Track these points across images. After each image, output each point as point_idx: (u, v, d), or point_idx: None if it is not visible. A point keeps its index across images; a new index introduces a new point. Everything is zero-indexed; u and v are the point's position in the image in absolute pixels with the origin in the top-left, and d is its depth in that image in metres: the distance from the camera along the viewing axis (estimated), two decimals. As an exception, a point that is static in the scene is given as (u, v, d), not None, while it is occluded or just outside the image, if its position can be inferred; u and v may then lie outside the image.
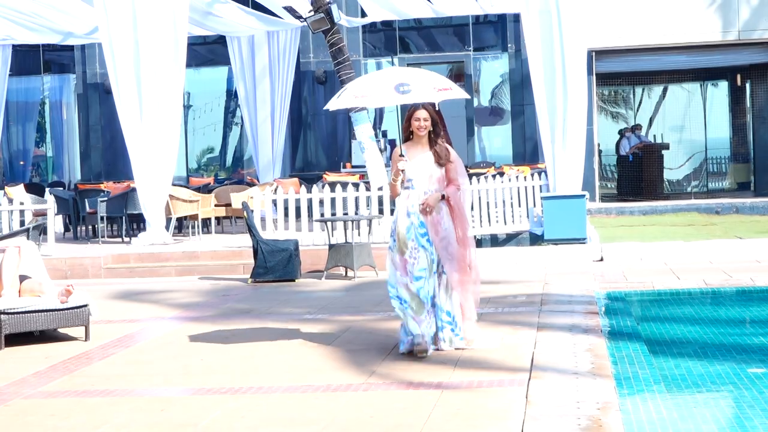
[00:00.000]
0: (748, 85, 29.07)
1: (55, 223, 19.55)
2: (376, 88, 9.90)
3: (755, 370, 9.39)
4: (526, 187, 19.30)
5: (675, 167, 30.02)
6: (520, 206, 19.12)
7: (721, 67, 28.10)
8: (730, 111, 30.29)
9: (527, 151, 24.49)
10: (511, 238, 18.78)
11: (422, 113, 9.38)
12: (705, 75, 29.37)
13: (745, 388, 8.80)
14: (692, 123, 30.42)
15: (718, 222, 21.20)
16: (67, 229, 21.04)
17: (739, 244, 16.27)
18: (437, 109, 9.66)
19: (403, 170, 9.26)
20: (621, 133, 29.19)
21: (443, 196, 9.41)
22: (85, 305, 10.77)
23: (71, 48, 26.39)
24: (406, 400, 7.61)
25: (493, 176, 19.43)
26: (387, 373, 8.61)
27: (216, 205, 19.99)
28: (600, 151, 27.92)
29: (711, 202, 25.45)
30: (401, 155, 9.29)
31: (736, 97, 29.88)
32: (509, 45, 26.97)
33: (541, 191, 18.76)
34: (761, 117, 28.22)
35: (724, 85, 30.11)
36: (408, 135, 9.57)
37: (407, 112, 9.53)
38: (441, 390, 7.81)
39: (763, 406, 8.22)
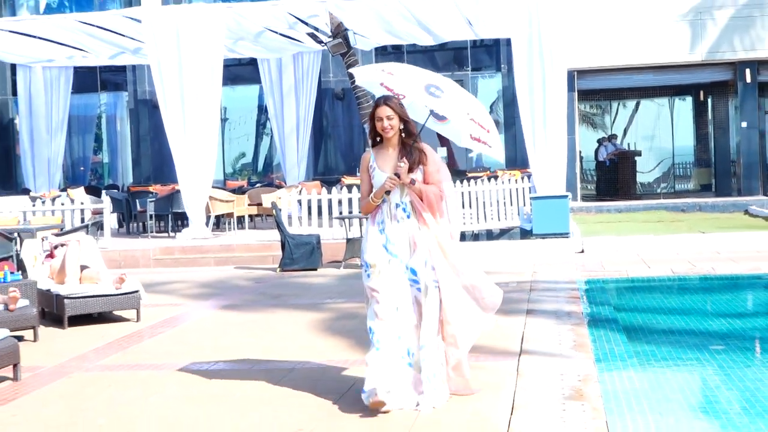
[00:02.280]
0: (710, 100, 29.06)
1: (111, 221, 19.62)
2: (406, 76, 7.42)
3: (716, 347, 9.40)
4: (517, 189, 19.40)
5: (646, 171, 29.98)
6: (511, 205, 19.17)
7: (687, 84, 28.02)
8: (694, 122, 30.25)
9: (518, 157, 24.40)
10: (504, 233, 18.78)
11: (385, 110, 6.58)
12: (673, 91, 29.31)
13: (707, 362, 8.82)
14: (661, 133, 30.37)
15: (684, 219, 21.17)
16: (120, 226, 21.09)
17: (702, 238, 16.27)
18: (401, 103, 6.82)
19: (392, 187, 6.59)
20: (599, 141, 29.15)
21: (412, 181, 6.65)
22: (136, 291, 10.83)
23: (124, 69, 26.43)
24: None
25: (489, 179, 19.52)
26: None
27: (249, 205, 20.03)
28: (581, 157, 27.89)
29: (677, 201, 25.44)
30: (371, 165, 6.74)
31: (699, 110, 29.85)
32: (502, 66, 26.97)
33: (530, 192, 18.78)
34: (721, 128, 28.22)
35: (689, 100, 30.05)
36: (376, 137, 6.82)
37: (371, 111, 6.84)
38: (444, 364, 7.85)
39: (722, 378, 8.24)
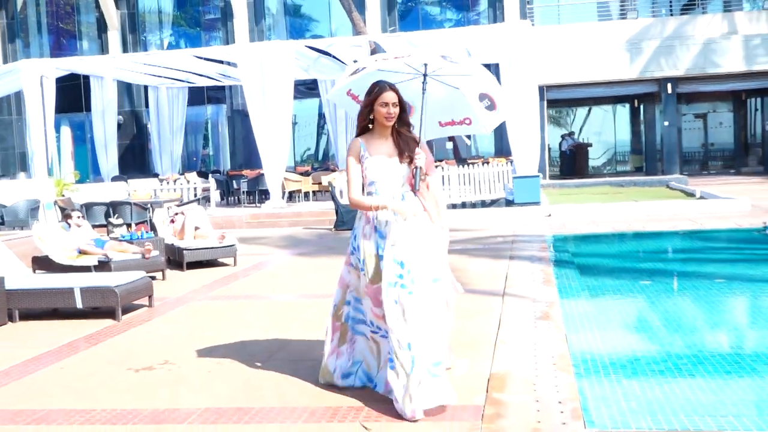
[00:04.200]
0: (642, 106, 28.81)
1: (215, 195, 19.81)
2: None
3: (644, 282, 9.40)
4: (502, 171, 19.36)
5: (596, 158, 29.78)
6: (499, 182, 19.13)
7: (626, 94, 27.77)
8: (630, 122, 29.98)
9: (504, 148, 24.22)
10: (493, 203, 18.73)
11: (391, 96, 4.52)
12: (615, 100, 29.02)
13: (638, 293, 8.82)
14: (606, 130, 30.12)
15: (622, 192, 21.06)
16: (222, 199, 21.25)
17: (636, 205, 16.17)
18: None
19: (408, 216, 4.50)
20: (562, 137, 28.93)
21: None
22: (233, 245, 10.95)
23: (223, 88, 26.54)
24: (466, 303, 7.69)
25: (482, 164, 19.56)
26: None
27: (312, 183, 20.14)
28: (549, 148, 27.76)
29: (618, 179, 25.32)
30: (362, 154, 4.60)
31: (634, 113, 29.59)
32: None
33: (512, 173, 18.73)
34: (650, 126, 28.03)
35: (627, 106, 29.74)
36: (366, 124, 4.65)
37: (370, 95, 4.57)
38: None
39: (649, 303, 8.25)
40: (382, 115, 4.57)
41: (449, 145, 25.71)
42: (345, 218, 15.18)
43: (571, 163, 28.18)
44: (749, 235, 12.73)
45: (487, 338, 6.01)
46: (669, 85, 26.03)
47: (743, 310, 8.23)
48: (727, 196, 16.58)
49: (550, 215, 15.72)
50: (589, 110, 30.53)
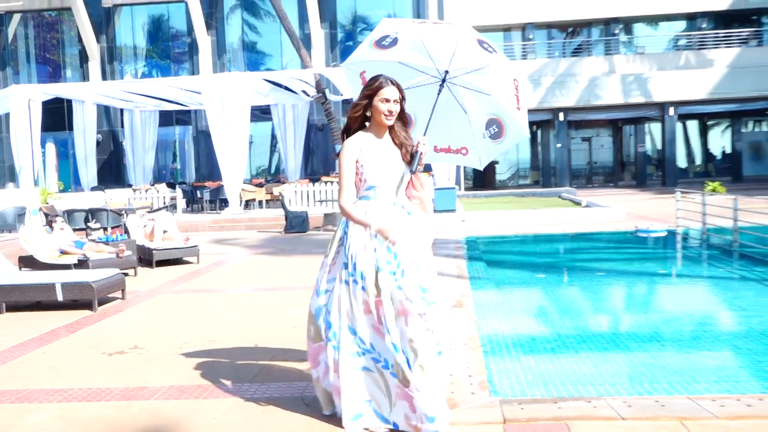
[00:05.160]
0: (539, 131, 29.33)
1: (181, 203, 19.41)
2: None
3: (540, 275, 9.55)
4: (431, 183, 19.45)
5: (502, 173, 30.23)
6: (422, 193, 19.23)
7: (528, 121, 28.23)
8: (530, 144, 30.52)
9: (426, 165, 24.40)
10: (418, 210, 18.85)
11: (393, 92, 3.46)
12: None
13: (535, 284, 8.95)
14: (511, 150, 30.54)
15: (524, 201, 21.41)
16: (188, 206, 20.81)
17: (534, 212, 16.42)
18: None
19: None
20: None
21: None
22: (196, 245, 10.76)
23: (189, 111, 26.08)
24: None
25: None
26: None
27: (266, 193, 19.91)
28: (464, 166, 27.99)
29: (520, 191, 25.71)
30: (361, 157, 3.51)
31: (533, 136, 30.12)
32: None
33: (433, 185, 18.84)
34: (545, 147, 28.53)
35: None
36: (362, 122, 3.58)
37: (368, 88, 3.50)
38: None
39: (544, 294, 8.37)
40: (382, 113, 3.47)
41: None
42: (293, 223, 15.07)
43: (482, 177, 28.53)
44: (624, 236, 13.04)
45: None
46: (561, 114, 26.61)
47: (618, 297, 8.44)
48: (606, 205, 17.00)
49: (464, 220, 15.87)
50: (497, 134, 30.95)
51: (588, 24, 28.26)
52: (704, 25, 27.43)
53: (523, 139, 3.62)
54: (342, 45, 27.73)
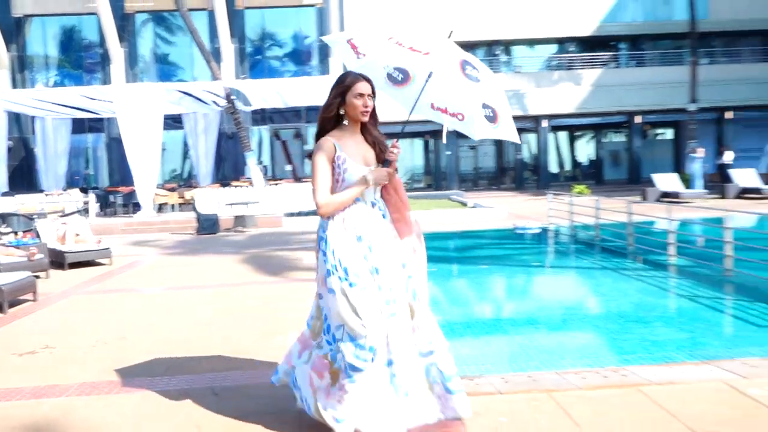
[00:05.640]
0: (431, 140, 29.89)
1: (94, 207, 18.49)
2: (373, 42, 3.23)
3: (432, 269, 9.69)
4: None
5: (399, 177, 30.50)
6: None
7: (420, 131, 28.75)
8: (424, 152, 30.98)
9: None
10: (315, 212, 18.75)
11: (367, 87, 3.11)
12: (413, 135, 29.93)
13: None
14: (407, 157, 30.95)
15: (418, 203, 21.61)
16: (101, 210, 19.87)
17: (427, 212, 16.60)
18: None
19: (387, 181, 3.18)
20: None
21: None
22: (108, 248, 10.29)
23: (102, 119, 24.89)
24: (274, 287, 7.56)
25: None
26: (281, 271, 8.53)
27: (178, 197, 19.29)
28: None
29: (415, 193, 25.99)
30: (339, 155, 3.07)
31: (426, 145, 30.63)
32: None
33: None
34: (436, 154, 29.11)
35: (421, 140, 30.78)
36: (336, 123, 3.17)
37: (340, 85, 3.12)
38: (283, 281, 7.81)
39: (436, 285, 8.51)
40: (358, 109, 3.10)
41: (288, 167, 25.48)
42: (205, 225, 14.69)
43: (381, 181, 28.73)
44: (504, 233, 13.40)
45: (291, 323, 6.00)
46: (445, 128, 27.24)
47: (499, 287, 8.71)
48: (490, 206, 17.51)
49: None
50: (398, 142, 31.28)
51: (473, 46, 29.06)
52: (572, 49, 28.87)
53: (512, 140, 3.28)
54: (251, 59, 27.28)
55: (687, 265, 8.93)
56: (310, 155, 3.21)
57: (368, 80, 3.14)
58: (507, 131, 3.27)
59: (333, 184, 3.09)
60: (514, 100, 26.84)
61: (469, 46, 29.08)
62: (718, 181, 20.49)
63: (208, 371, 4.38)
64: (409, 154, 31.23)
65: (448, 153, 27.70)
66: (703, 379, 3.89)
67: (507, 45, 29.47)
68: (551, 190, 16.80)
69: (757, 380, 3.81)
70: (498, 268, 9.79)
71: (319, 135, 3.17)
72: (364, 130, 3.21)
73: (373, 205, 3.16)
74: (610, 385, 3.81)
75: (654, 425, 3.23)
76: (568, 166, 31.54)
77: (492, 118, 3.29)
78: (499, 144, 30.65)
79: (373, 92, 3.15)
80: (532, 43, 29.37)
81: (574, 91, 27.28)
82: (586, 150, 31.69)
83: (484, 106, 3.26)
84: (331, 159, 3.08)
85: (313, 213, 17.83)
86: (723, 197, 19.09)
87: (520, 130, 29.02)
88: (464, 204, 19.60)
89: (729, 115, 27.70)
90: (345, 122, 3.18)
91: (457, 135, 27.77)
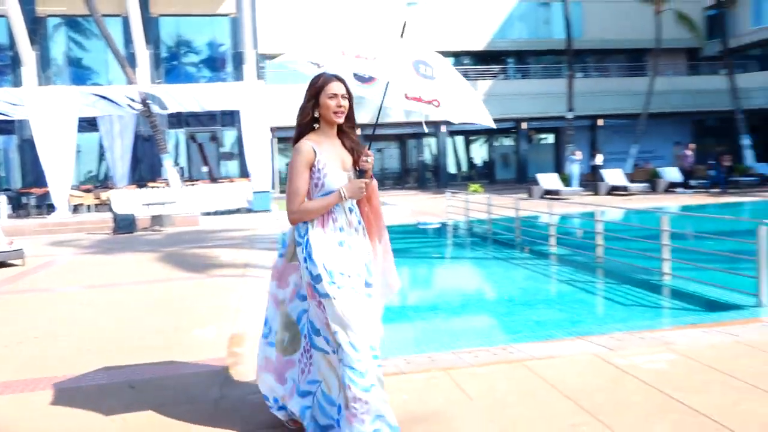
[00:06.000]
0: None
1: (7, 209, 17.22)
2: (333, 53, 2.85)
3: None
4: (245, 187, 19.03)
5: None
6: (242, 195, 18.79)
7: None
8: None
9: (245, 171, 23.90)
10: (239, 210, 18.38)
11: (339, 87, 2.81)
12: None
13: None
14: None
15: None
16: (13, 211, 18.52)
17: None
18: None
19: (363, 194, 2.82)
20: (287, 164, 29.15)
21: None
22: (21, 249, 9.62)
23: (13, 121, 23.16)
24: (191, 284, 7.34)
25: (230, 182, 19.09)
26: (198, 268, 8.26)
27: (94, 198, 18.27)
28: (279, 171, 27.81)
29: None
30: (318, 160, 2.77)
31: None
32: (237, 123, 26.29)
33: (252, 189, 18.50)
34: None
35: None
36: (311, 126, 2.85)
37: (313, 87, 2.85)
38: (206, 277, 7.61)
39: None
40: (331, 110, 2.79)
41: (205, 169, 24.71)
42: (121, 225, 14.00)
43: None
44: (409, 228, 13.61)
45: (231, 309, 5.89)
46: (358, 129, 27.28)
47: (403, 277, 8.86)
48: (395, 204, 17.75)
49: (278, 219, 15.76)
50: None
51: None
52: (467, 61, 29.72)
53: (488, 125, 2.99)
54: (166, 64, 26.26)
55: (565, 253, 9.42)
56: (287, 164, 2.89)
57: (342, 80, 2.84)
58: (479, 116, 3.01)
59: (311, 188, 2.78)
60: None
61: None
62: (592, 180, 21.69)
63: (126, 366, 4.20)
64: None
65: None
66: (577, 352, 4.12)
67: (409, 57, 29.94)
68: (450, 189, 17.24)
69: (621, 351, 4.08)
70: (403, 260, 9.94)
71: (297, 140, 2.85)
72: (341, 133, 2.90)
73: (351, 211, 2.85)
74: (499, 361, 3.97)
75: (536, 394, 3.40)
76: (464, 168, 32.43)
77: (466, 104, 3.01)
78: (403, 147, 31.06)
79: (349, 94, 2.85)
80: (431, 55, 29.94)
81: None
82: (480, 153, 32.73)
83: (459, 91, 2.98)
84: (310, 164, 2.77)
85: (229, 212, 17.53)
86: (596, 194, 20.25)
87: (422, 135, 29.78)
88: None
89: (600, 122, 29.40)
90: (316, 125, 2.84)
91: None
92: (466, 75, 28.80)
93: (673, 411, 3.09)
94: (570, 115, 24.35)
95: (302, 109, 2.85)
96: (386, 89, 2.90)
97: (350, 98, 2.84)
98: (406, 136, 30.42)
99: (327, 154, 2.80)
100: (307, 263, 2.73)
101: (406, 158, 31.20)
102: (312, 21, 28.06)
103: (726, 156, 21.17)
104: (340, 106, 2.80)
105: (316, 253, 2.71)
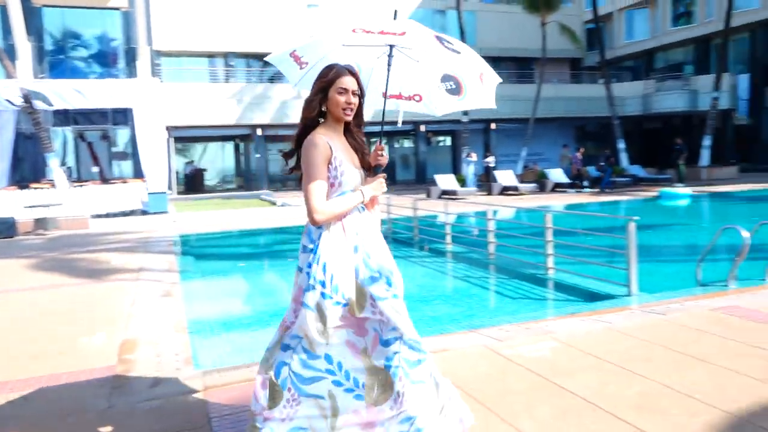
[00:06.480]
0: (242, 143, 29.25)
1: None
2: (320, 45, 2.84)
3: (241, 264, 9.54)
4: (139, 189, 18.12)
5: (210, 179, 29.49)
6: (137, 197, 17.89)
7: (230, 135, 28.02)
8: (234, 154, 30.26)
9: (139, 171, 22.77)
10: (134, 212, 17.49)
11: (351, 81, 2.51)
12: (223, 138, 29.09)
13: (236, 272, 8.89)
14: (218, 159, 30.10)
15: (229, 203, 21.17)
16: None
17: (238, 211, 16.34)
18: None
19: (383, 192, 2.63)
20: (185, 164, 28.15)
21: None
22: None
23: None
24: (79, 290, 6.90)
25: (123, 183, 18.11)
26: (87, 274, 7.73)
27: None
28: (177, 172, 26.79)
29: (226, 194, 25.36)
30: (335, 156, 2.48)
31: (236, 148, 29.94)
32: (130, 122, 25.03)
33: (147, 190, 17.66)
34: (247, 157, 28.54)
35: (231, 143, 29.99)
36: (316, 119, 2.54)
37: (320, 82, 2.51)
38: (103, 281, 7.18)
39: (244, 279, 8.34)
40: (340, 106, 2.53)
41: (95, 169, 23.30)
42: (1, 228, 12.92)
43: (192, 182, 27.54)
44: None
45: (122, 314, 5.61)
46: (259, 130, 26.85)
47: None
48: (297, 204, 17.61)
49: (175, 221, 15.18)
50: (206, 145, 30.16)
51: (254, 56, 29.14)
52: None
53: (488, 107, 2.86)
54: (51, 58, 24.52)
55: (460, 251, 9.76)
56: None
57: (355, 75, 2.56)
58: (476, 100, 2.87)
59: (327, 188, 2.49)
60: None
61: (251, 57, 28.97)
62: (486, 181, 22.59)
63: (7, 378, 3.89)
64: (220, 157, 30.30)
65: (258, 156, 27.29)
66: (469, 345, 4.29)
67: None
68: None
69: (508, 342, 4.30)
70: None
71: (302, 136, 2.55)
72: (347, 132, 2.64)
73: (362, 210, 2.60)
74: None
75: (429, 386, 3.50)
76: (366, 168, 32.72)
77: (455, 90, 2.86)
78: (305, 148, 30.91)
79: (361, 91, 2.59)
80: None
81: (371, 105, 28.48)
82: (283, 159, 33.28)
83: (445, 78, 2.84)
84: (327, 159, 2.48)
85: (123, 214, 16.66)
86: (489, 194, 21.12)
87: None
88: (273, 203, 19.49)
89: (493, 126, 30.69)
90: (321, 119, 2.58)
91: (265, 139, 27.48)
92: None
93: (553, 395, 3.30)
94: (465, 119, 25.23)
95: (308, 102, 2.56)
96: (387, 81, 2.74)
97: (361, 95, 2.60)
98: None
99: (341, 151, 2.54)
100: (311, 269, 2.45)
101: (308, 159, 31.07)
102: (210, 19, 27.23)
103: (612, 158, 22.81)
104: (350, 103, 2.53)
105: (327, 264, 2.44)
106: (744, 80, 30.57)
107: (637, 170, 24.73)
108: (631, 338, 4.27)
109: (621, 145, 26.22)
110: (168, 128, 22.80)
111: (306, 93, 2.62)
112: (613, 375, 3.56)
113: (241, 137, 28.43)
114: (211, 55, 28.31)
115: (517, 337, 4.41)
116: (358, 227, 2.53)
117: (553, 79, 31.93)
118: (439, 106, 2.88)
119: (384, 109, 2.80)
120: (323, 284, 2.42)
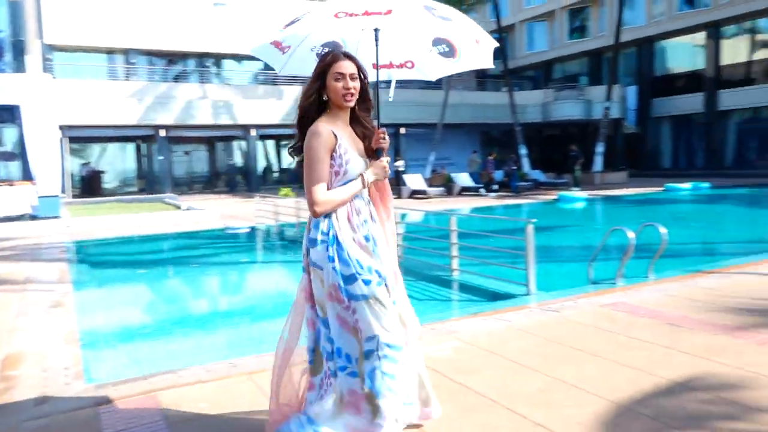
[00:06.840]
0: (144, 145, 27.97)
1: None
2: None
3: (142, 270, 9.11)
4: (28, 192, 16.87)
5: (109, 182, 27.94)
6: (25, 200, 16.64)
7: (131, 135, 26.68)
8: (135, 156, 28.83)
9: (28, 173, 21.25)
10: (22, 217, 16.23)
11: (349, 65, 2.41)
12: (124, 139, 27.60)
13: (137, 279, 8.48)
14: (118, 161, 28.57)
15: (130, 206, 20.14)
16: None
17: (138, 216, 15.57)
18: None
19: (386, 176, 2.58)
20: (82, 165, 26.52)
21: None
22: None
23: None
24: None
25: (8, 186, 16.78)
26: None
27: None
28: (72, 174, 25.16)
29: (127, 197, 24.12)
30: (339, 144, 2.43)
31: (138, 149, 28.56)
32: (17, 120, 23.24)
33: (37, 194, 16.47)
34: (149, 159, 27.33)
35: (132, 144, 28.57)
36: (318, 110, 2.46)
37: (317, 69, 2.44)
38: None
39: (145, 288, 7.98)
40: (339, 93, 2.42)
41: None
42: None
43: (89, 185, 25.99)
44: (216, 233, 13.22)
45: (4, 327, 5.18)
46: (162, 130, 25.77)
47: (208, 284, 8.54)
48: (202, 208, 17.05)
49: (69, 226, 14.26)
50: (105, 146, 28.57)
51: (184, 56, 28.06)
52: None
53: (485, 66, 2.79)
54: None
55: (370, 254, 9.80)
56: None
57: (352, 58, 2.46)
58: (472, 61, 2.81)
59: (330, 177, 2.44)
60: (224, 109, 26.53)
61: (180, 56, 27.94)
62: (395, 185, 22.93)
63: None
64: (121, 158, 28.82)
65: (161, 158, 26.19)
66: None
67: (217, 58, 29.07)
68: (261, 193, 17.03)
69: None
70: (208, 267, 9.59)
71: (302, 124, 2.48)
72: (353, 119, 2.54)
73: (369, 202, 2.56)
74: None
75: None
76: (275, 171, 32.26)
77: (449, 53, 2.78)
78: (212, 150, 29.99)
79: (362, 73, 2.47)
80: (240, 58, 29.37)
81: (279, 104, 28.04)
82: (290, 157, 32.77)
83: (437, 42, 2.74)
84: (331, 149, 2.41)
85: (9, 219, 15.44)
86: (399, 197, 21.43)
87: (231, 138, 29.03)
88: (178, 207, 18.75)
89: (403, 130, 31.18)
90: (328, 109, 2.48)
91: (169, 140, 26.40)
92: (274, 80, 28.67)
93: (456, 393, 3.37)
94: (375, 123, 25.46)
95: (305, 91, 2.47)
96: (377, 57, 2.68)
97: (363, 78, 2.47)
98: (215, 139, 29.43)
99: (346, 139, 2.47)
100: (335, 263, 2.39)
101: (216, 161, 30.16)
102: (109, 13, 25.83)
103: (518, 163, 23.83)
104: (348, 89, 2.42)
105: (349, 251, 2.39)
106: (632, 91, 32.93)
107: (538, 175, 25.96)
108: (530, 335, 4.45)
109: (523, 150, 27.41)
110: (62, 127, 21.42)
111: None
112: (512, 372, 3.70)
113: (144, 138, 27.17)
114: (110, 51, 26.86)
115: (423, 337, 4.48)
116: (365, 217, 2.50)
117: (459, 86, 32.87)
118: (433, 70, 2.87)
119: (377, 80, 2.71)
120: (358, 272, 2.37)
